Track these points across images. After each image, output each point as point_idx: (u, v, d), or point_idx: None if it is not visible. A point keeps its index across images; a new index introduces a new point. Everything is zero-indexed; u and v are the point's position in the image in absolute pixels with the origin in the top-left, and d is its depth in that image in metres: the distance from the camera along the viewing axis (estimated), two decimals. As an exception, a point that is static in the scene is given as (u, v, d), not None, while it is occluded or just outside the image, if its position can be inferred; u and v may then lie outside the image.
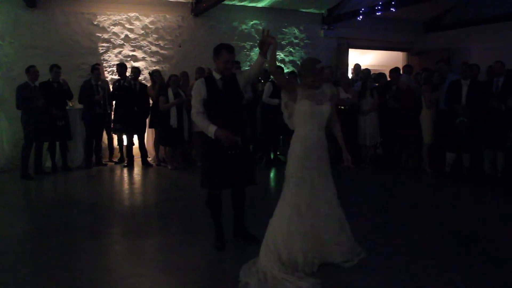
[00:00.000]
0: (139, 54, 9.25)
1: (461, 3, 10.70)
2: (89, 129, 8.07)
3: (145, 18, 9.25)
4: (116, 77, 8.46)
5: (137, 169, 8.06)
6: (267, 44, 3.69)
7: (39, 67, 7.33)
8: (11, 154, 7.93)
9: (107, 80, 8.58)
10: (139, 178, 7.53)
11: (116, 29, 9.04)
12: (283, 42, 10.53)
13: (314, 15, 10.78)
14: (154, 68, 9.06)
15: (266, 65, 3.86)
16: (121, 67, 8.33)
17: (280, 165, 8.43)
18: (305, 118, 3.65)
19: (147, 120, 8.46)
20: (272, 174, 7.83)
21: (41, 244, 4.22)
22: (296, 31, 10.71)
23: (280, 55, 10.51)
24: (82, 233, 4.60)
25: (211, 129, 3.77)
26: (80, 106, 8.12)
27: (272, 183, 7.36)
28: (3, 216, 5.27)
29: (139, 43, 9.24)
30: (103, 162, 8.42)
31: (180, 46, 9.54)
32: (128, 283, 3.37)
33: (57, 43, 8.54)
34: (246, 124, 7.05)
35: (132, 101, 8.07)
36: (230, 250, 3.99)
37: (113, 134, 8.55)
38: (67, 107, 7.91)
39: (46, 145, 7.63)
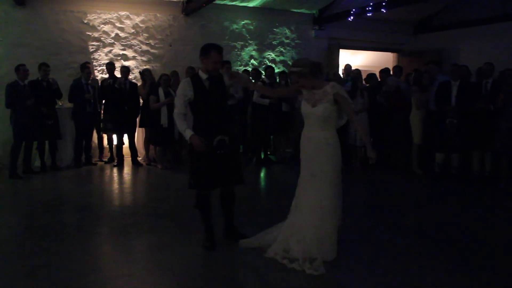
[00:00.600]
0: (129, 53, 9.20)
1: (451, 5, 10.80)
2: (79, 128, 8.00)
3: (135, 17, 9.20)
4: (106, 75, 8.41)
5: (127, 169, 8.01)
6: (238, 83, 3.79)
7: (28, 66, 7.26)
8: (-1, 153, 7.86)
9: (97, 79, 8.51)
10: (129, 177, 7.48)
11: (106, 27, 8.97)
12: (274, 42, 10.57)
13: (305, 15, 10.82)
14: (145, 67, 9.02)
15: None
16: (111, 66, 8.29)
17: (271, 164, 8.46)
18: (304, 118, 3.82)
19: (138, 120, 8.42)
20: (262, 174, 7.83)
21: (29, 244, 4.19)
22: (287, 31, 10.73)
23: (271, 55, 10.53)
24: (71, 233, 4.59)
25: (187, 133, 3.79)
26: (69, 105, 8.04)
27: (263, 183, 7.36)
28: (-9, 216, 5.21)
29: (129, 42, 9.19)
30: (93, 162, 8.35)
31: (170, 45, 9.51)
32: (117, 283, 3.36)
33: (47, 42, 8.44)
34: (235, 124, 7.06)
35: (122, 100, 8.03)
36: (220, 250, 3.99)
37: (103, 134, 8.50)
38: (57, 106, 7.84)
39: (35, 144, 7.55)
